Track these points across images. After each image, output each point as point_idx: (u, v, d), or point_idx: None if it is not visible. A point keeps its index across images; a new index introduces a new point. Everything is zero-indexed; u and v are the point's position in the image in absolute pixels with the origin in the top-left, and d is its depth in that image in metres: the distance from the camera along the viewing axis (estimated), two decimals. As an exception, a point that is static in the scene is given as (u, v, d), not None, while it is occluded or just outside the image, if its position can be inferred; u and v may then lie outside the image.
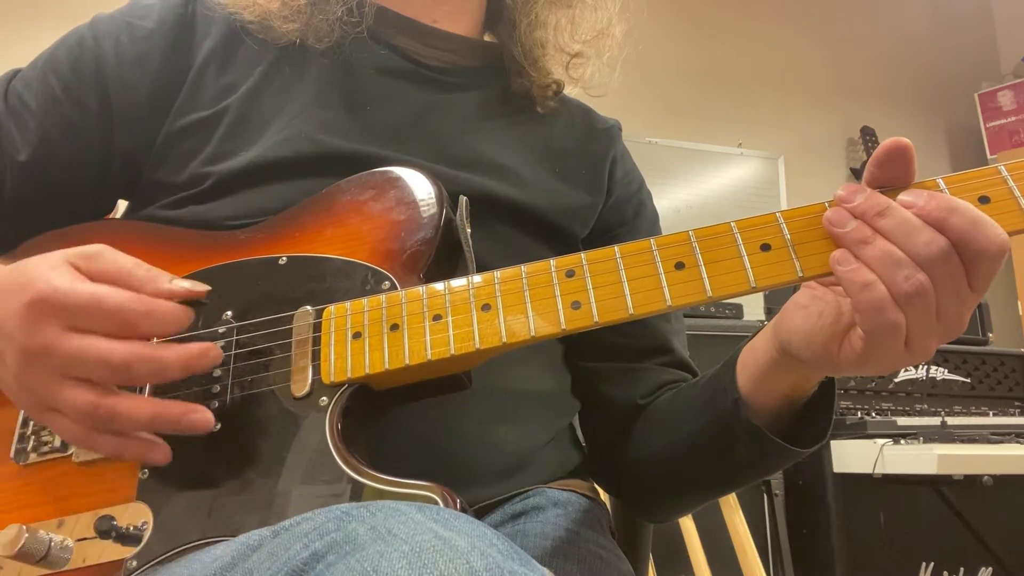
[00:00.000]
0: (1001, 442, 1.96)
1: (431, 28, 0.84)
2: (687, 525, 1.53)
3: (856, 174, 3.66)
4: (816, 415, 0.67)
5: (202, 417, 0.55)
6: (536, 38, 0.87)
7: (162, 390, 0.62)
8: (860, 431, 2.01)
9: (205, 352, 0.56)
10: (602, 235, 0.86)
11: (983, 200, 0.51)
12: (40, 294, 0.52)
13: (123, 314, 0.53)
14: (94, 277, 0.55)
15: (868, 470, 1.93)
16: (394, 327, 0.59)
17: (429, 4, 0.84)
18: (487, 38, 0.92)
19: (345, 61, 0.80)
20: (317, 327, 0.61)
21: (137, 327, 0.54)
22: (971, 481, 1.84)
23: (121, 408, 0.53)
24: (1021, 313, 3.48)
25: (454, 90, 0.84)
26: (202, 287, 0.58)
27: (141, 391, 0.61)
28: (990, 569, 2.04)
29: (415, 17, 0.83)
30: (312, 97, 0.78)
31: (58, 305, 0.52)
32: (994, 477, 1.82)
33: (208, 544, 0.55)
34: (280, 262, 0.66)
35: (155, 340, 0.57)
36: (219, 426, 0.60)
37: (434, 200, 0.66)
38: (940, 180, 0.52)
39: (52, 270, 0.54)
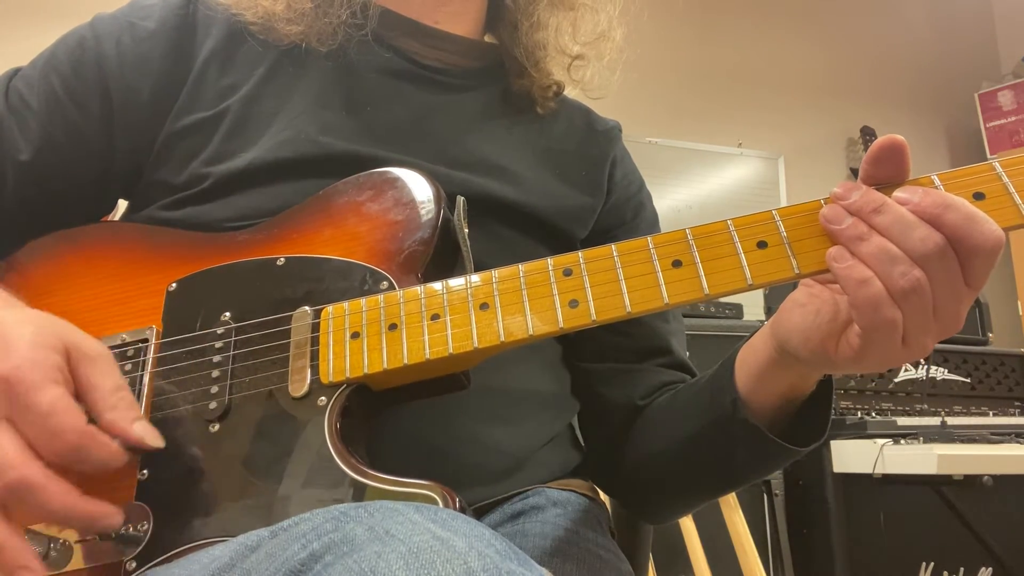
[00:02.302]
0: (1001, 442, 1.95)
1: (432, 29, 0.84)
2: (687, 525, 1.52)
3: (856, 174, 3.65)
4: (814, 414, 0.67)
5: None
6: (537, 40, 0.87)
7: (164, 392, 0.63)
8: (860, 431, 2.01)
9: (93, 517, 0.53)
10: (601, 236, 0.86)
11: (978, 196, 0.51)
12: (4, 373, 0.52)
13: (57, 438, 0.52)
14: (74, 376, 0.55)
15: (868, 470, 1.92)
16: (392, 327, 0.59)
17: (431, 5, 0.84)
18: (488, 39, 0.92)
19: (347, 63, 0.80)
20: (315, 327, 0.61)
21: (60, 456, 0.52)
22: (971, 481, 1.84)
23: None
24: (1021, 313, 3.48)
25: (454, 91, 0.84)
26: (158, 443, 0.57)
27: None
28: (990, 569, 2.04)
29: (417, 18, 0.83)
30: (313, 98, 0.78)
31: (11, 394, 0.51)
32: (994, 477, 1.81)
33: (207, 545, 0.55)
34: (278, 263, 0.66)
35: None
36: (218, 427, 0.60)
37: (432, 200, 0.66)
38: (935, 177, 0.52)
39: (36, 351, 0.53)
